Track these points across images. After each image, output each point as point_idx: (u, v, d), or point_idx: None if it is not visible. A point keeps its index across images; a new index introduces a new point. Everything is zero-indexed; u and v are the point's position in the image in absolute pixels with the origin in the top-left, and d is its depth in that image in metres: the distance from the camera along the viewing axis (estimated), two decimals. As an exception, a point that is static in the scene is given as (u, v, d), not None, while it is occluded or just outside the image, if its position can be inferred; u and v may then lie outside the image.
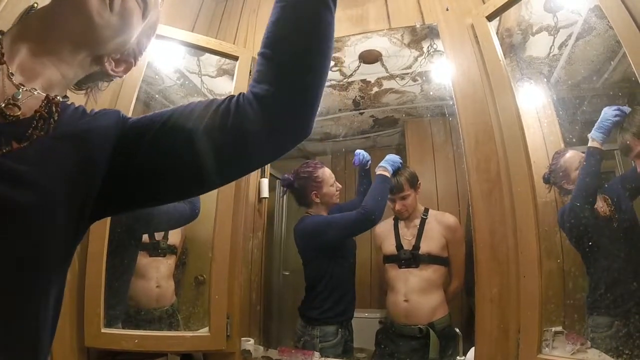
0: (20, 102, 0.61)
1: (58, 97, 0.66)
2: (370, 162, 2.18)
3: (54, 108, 0.64)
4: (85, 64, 0.74)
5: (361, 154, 2.21)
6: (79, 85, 0.80)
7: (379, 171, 1.99)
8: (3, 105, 0.59)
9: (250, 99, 0.66)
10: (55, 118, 0.64)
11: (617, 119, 1.41)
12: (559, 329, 1.35)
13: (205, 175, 0.69)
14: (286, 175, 2.15)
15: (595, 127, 1.44)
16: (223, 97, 0.69)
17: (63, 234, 0.61)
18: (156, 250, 1.93)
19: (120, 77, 0.83)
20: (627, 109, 1.40)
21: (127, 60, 0.82)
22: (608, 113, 1.43)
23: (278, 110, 0.67)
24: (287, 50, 0.68)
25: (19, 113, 0.60)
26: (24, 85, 0.63)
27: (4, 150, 0.56)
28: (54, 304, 0.62)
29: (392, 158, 2.02)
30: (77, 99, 0.78)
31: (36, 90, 0.64)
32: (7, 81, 0.61)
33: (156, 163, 0.68)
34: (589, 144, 1.45)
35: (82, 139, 0.64)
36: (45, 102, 0.64)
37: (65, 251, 0.63)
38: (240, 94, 0.68)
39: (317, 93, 0.69)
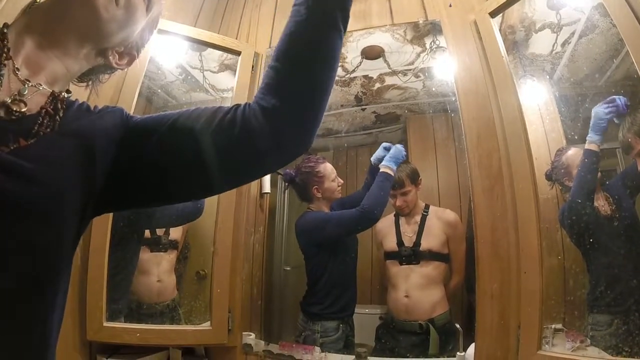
0: (26, 97, 0.61)
1: (64, 94, 0.66)
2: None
3: (59, 105, 0.64)
4: (90, 57, 0.74)
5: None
6: (81, 78, 0.81)
7: (383, 169, 1.98)
8: (9, 101, 0.59)
9: (256, 111, 0.67)
10: (61, 115, 0.64)
11: (610, 115, 1.41)
12: (559, 326, 1.35)
13: (208, 182, 0.70)
14: (288, 170, 2.15)
15: (590, 128, 1.44)
16: (229, 107, 0.70)
17: (69, 229, 0.61)
18: (157, 245, 1.93)
19: (122, 69, 0.83)
20: (619, 98, 1.41)
21: (130, 53, 0.82)
22: (600, 112, 1.43)
23: (282, 123, 0.68)
24: (295, 67, 0.69)
25: (25, 109, 0.60)
26: (29, 81, 0.63)
27: (12, 148, 0.56)
28: (61, 298, 0.63)
29: (397, 155, 2.01)
30: (78, 91, 0.79)
31: (42, 85, 0.65)
32: (13, 76, 0.61)
33: (160, 166, 0.69)
34: (586, 146, 1.45)
35: (87, 137, 0.65)
36: (51, 98, 0.64)
37: (70, 245, 0.63)
38: (246, 104, 0.69)
39: (321, 109, 0.70)
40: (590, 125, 1.44)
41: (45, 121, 0.61)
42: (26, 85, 0.62)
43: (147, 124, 0.71)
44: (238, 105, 0.69)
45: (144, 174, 0.69)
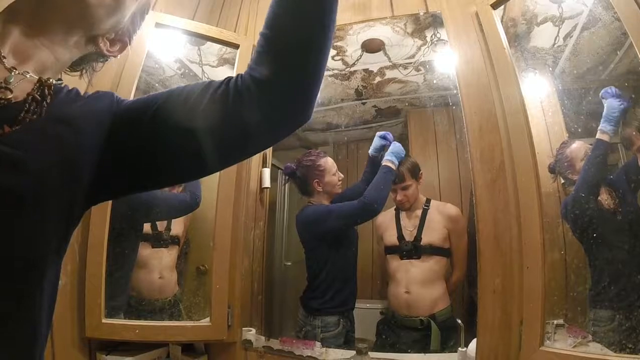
0: (12, 85, 0.60)
1: (51, 80, 0.65)
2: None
3: (46, 91, 0.63)
4: (80, 45, 0.73)
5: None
6: (74, 67, 0.79)
7: (384, 163, 1.98)
8: None
9: (248, 83, 0.64)
10: (48, 101, 0.63)
11: (622, 106, 1.39)
12: (561, 321, 1.34)
13: (203, 159, 0.68)
14: (289, 164, 2.14)
15: (603, 119, 1.41)
16: (220, 80, 0.67)
17: (57, 218, 0.60)
18: (159, 241, 1.93)
19: (115, 56, 0.81)
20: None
21: (121, 39, 0.80)
22: (613, 104, 1.40)
23: (276, 94, 0.65)
24: (287, 32, 0.65)
25: (11, 96, 0.59)
26: (16, 69, 0.62)
27: None
28: (50, 291, 0.62)
29: (398, 150, 2.01)
30: (72, 80, 0.77)
31: (29, 73, 0.63)
32: None
33: (153, 146, 0.67)
34: (598, 136, 1.42)
35: (76, 122, 0.63)
36: (37, 85, 0.63)
37: (60, 236, 0.62)
38: (238, 75, 0.66)
39: (317, 77, 0.66)
40: (603, 115, 1.41)
41: (31, 108, 0.60)
42: (12, 73, 0.61)
43: (137, 105, 0.70)
44: (230, 78, 0.67)
45: (137, 157, 0.67)
